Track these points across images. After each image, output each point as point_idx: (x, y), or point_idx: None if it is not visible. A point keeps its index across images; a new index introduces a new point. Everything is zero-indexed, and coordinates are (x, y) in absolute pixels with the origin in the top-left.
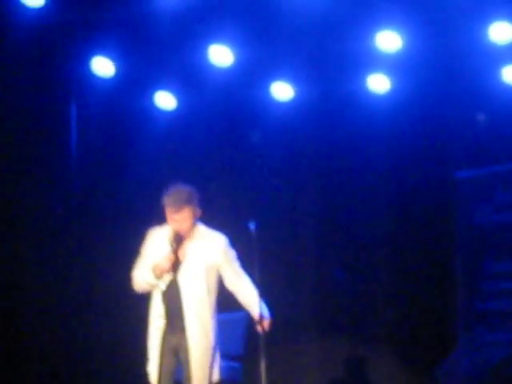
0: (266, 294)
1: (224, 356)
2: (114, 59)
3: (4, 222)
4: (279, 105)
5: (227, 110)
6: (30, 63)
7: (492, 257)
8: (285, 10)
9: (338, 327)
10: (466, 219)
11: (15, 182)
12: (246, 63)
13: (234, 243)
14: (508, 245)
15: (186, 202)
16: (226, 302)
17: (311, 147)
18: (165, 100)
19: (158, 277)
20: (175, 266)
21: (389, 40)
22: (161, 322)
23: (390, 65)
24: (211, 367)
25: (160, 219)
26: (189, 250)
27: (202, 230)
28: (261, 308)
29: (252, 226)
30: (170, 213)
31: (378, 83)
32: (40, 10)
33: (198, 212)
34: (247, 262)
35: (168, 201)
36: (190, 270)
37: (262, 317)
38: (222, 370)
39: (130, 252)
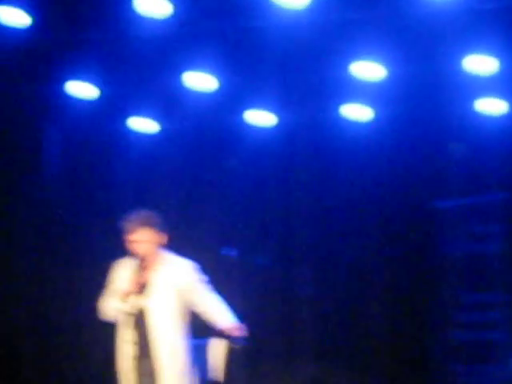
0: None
1: (203, 382)
2: (93, 82)
3: None
4: (258, 130)
5: (205, 135)
6: (9, 82)
7: (467, 287)
8: (267, 38)
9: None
10: (443, 248)
11: None
12: (226, 89)
13: (214, 269)
14: (482, 275)
15: (143, 223)
16: (205, 328)
17: (291, 174)
18: (142, 124)
19: (123, 299)
20: (141, 289)
21: (368, 69)
22: (129, 347)
23: (369, 94)
24: None
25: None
26: (156, 276)
27: (168, 256)
28: (227, 316)
29: (233, 252)
30: (127, 235)
31: (357, 112)
32: (20, 31)
33: (161, 237)
34: (227, 288)
35: (126, 225)
36: (159, 295)
37: (230, 324)
38: None
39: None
